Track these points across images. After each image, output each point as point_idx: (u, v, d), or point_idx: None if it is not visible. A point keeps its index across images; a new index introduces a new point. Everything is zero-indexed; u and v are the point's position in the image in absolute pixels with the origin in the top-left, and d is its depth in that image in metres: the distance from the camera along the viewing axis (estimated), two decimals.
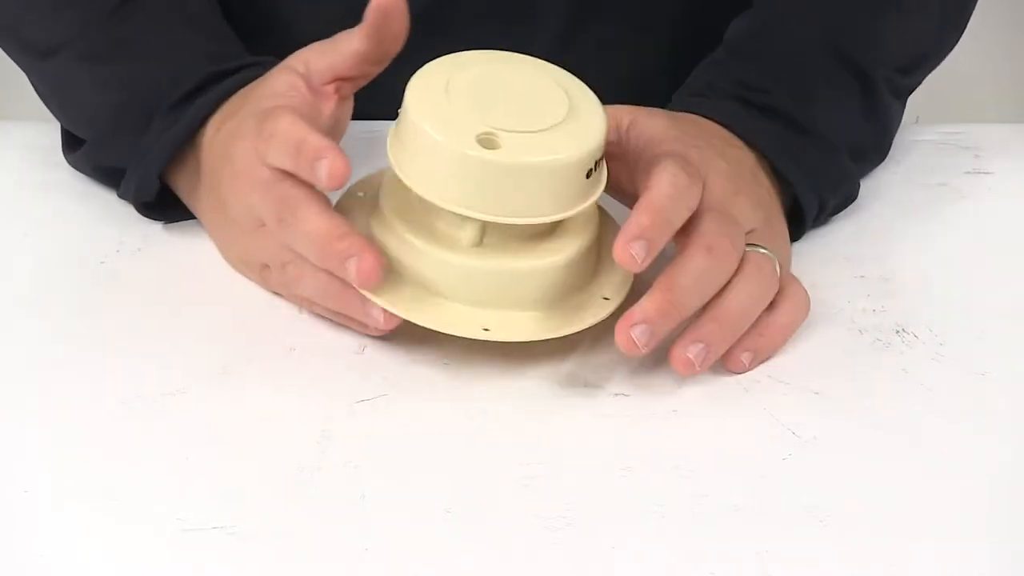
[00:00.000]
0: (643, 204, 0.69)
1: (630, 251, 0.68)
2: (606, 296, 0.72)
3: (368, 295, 0.70)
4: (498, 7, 0.92)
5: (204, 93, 0.79)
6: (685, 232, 0.70)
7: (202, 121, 0.78)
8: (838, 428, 0.70)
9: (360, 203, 0.74)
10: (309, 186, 0.71)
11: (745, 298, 0.71)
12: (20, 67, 0.86)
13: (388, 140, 0.71)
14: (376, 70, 0.75)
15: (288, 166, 0.71)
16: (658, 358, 0.73)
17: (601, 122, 0.70)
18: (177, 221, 0.81)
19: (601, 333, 0.72)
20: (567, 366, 0.73)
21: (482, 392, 0.71)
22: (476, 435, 0.69)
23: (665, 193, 0.69)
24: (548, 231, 0.71)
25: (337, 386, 0.71)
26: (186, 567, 0.62)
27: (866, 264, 0.80)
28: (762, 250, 0.72)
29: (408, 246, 0.70)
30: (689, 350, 0.70)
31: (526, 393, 0.71)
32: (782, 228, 0.78)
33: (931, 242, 0.82)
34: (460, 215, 0.69)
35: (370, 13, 0.72)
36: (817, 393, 0.72)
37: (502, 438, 0.69)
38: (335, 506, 0.65)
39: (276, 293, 0.76)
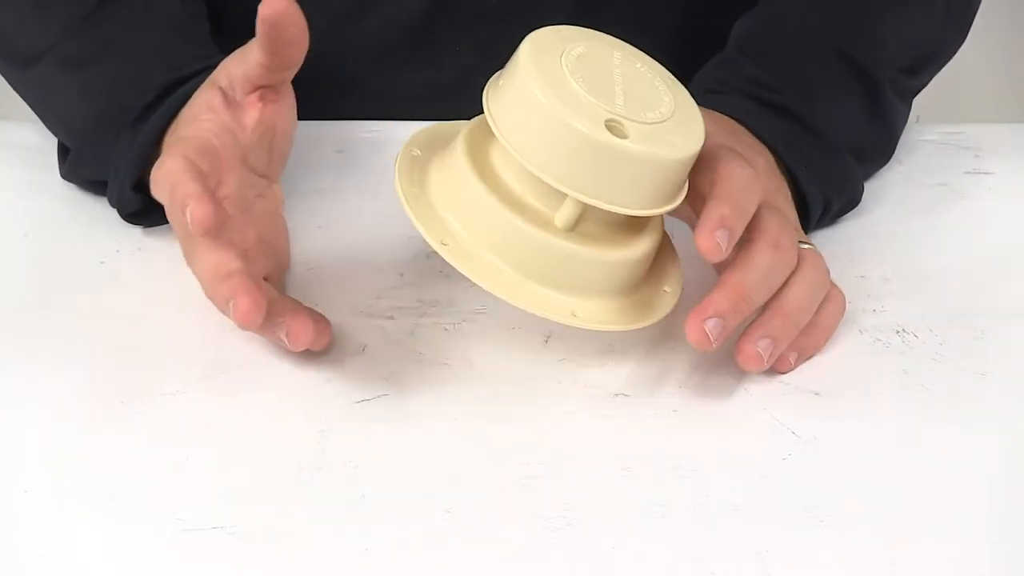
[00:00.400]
0: (721, 194, 0.69)
1: (716, 239, 0.68)
2: (666, 288, 0.73)
3: (456, 266, 0.68)
4: (499, 7, 0.92)
5: (164, 99, 0.78)
6: (747, 227, 0.70)
7: (162, 131, 0.78)
8: (838, 428, 0.70)
9: (417, 162, 0.72)
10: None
11: (804, 295, 0.72)
12: (6, 79, 0.85)
13: (489, 108, 0.69)
14: (288, 75, 0.73)
15: (168, 207, 0.71)
16: (655, 359, 0.73)
17: (701, 118, 0.70)
18: (164, 224, 0.82)
19: (600, 333, 0.72)
20: (567, 366, 0.73)
21: (482, 392, 0.71)
22: (476, 435, 0.69)
23: (739, 184, 0.69)
24: (632, 221, 0.70)
25: (337, 386, 0.71)
26: (186, 567, 0.62)
27: (866, 264, 0.80)
28: (810, 246, 0.73)
29: (497, 218, 0.69)
30: (759, 344, 0.70)
31: (526, 393, 0.71)
32: (799, 227, 0.78)
33: (931, 242, 0.82)
34: (558, 193, 0.67)
35: (258, 24, 0.70)
36: (817, 393, 0.72)
37: (502, 438, 0.69)
38: (335, 506, 0.65)
39: None
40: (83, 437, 0.68)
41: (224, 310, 0.68)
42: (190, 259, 0.72)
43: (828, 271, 0.73)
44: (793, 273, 0.72)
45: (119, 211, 0.81)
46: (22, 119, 0.89)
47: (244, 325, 0.67)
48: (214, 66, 0.77)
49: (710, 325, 0.68)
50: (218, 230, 0.68)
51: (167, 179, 0.70)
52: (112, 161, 0.79)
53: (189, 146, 0.72)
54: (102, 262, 0.79)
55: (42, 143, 0.87)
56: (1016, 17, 1.54)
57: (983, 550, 0.64)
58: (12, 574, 0.62)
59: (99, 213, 0.83)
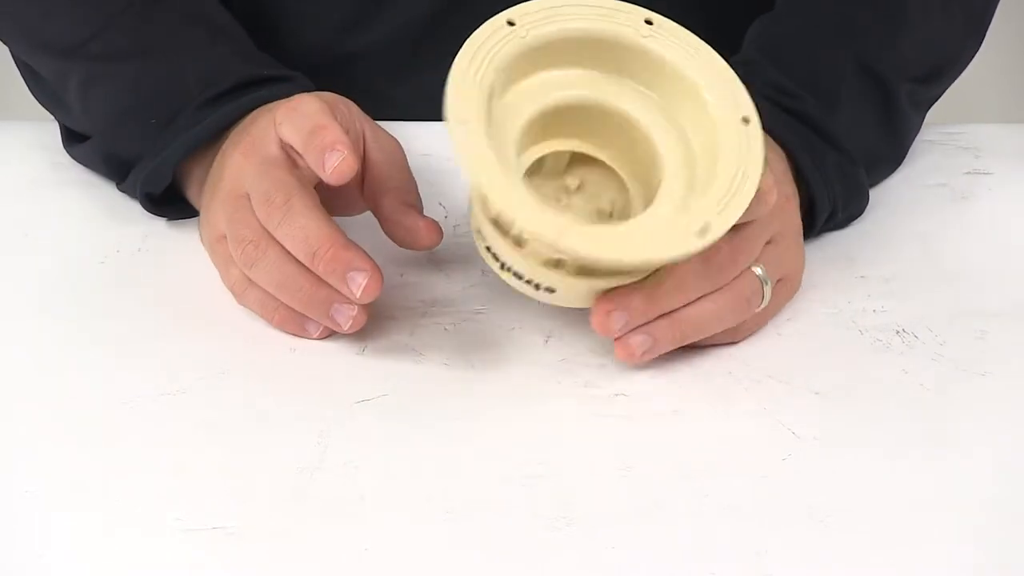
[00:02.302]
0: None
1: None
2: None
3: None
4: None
5: (239, 94, 0.79)
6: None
7: (233, 121, 0.78)
8: (838, 428, 0.70)
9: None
10: (308, 181, 0.72)
11: (709, 314, 0.71)
12: (37, 68, 0.85)
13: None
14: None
15: (297, 145, 0.71)
16: (655, 359, 0.73)
17: None
18: (172, 218, 0.82)
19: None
20: (567, 366, 0.73)
21: (482, 392, 0.71)
22: (476, 435, 0.69)
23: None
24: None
25: (337, 386, 0.71)
26: (186, 567, 0.62)
27: (867, 264, 0.80)
28: (759, 271, 0.73)
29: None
30: (633, 339, 0.70)
31: (526, 393, 0.71)
32: (799, 227, 0.78)
33: (931, 242, 0.82)
34: None
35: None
36: (817, 393, 0.72)
37: (502, 438, 0.69)
38: (335, 506, 0.65)
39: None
40: (83, 437, 0.68)
41: (338, 277, 0.70)
42: (272, 207, 0.72)
43: (757, 296, 0.73)
44: (719, 288, 0.72)
45: (142, 189, 0.81)
46: (23, 119, 0.89)
47: (365, 298, 0.70)
48: (289, 80, 0.79)
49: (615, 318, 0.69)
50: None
51: (307, 120, 0.71)
52: (160, 139, 0.79)
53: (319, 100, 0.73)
54: (102, 262, 0.79)
55: (42, 143, 0.87)
56: (1016, 17, 1.54)
57: (983, 550, 0.64)
58: (12, 574, 0.62)
59: (99, 213, 0.83)
